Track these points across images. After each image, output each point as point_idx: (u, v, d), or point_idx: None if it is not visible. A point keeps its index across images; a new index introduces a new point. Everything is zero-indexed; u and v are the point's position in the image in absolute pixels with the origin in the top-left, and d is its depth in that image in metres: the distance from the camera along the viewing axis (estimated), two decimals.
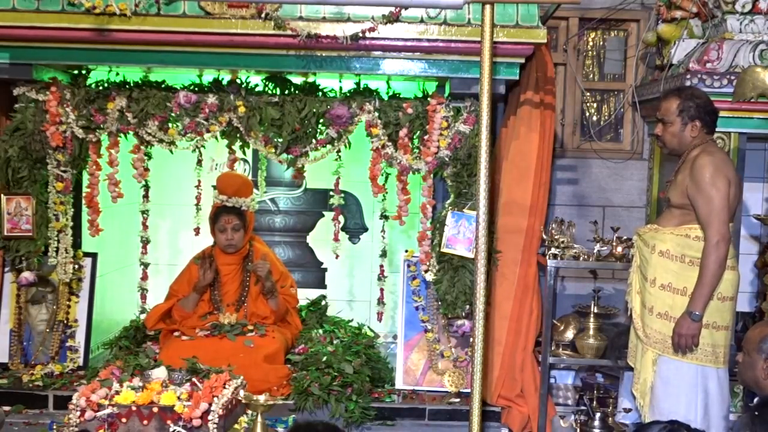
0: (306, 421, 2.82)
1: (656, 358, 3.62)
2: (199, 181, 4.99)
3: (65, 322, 4.50)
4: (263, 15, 3.95)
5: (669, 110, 3.64)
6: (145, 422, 3.47)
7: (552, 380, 4.87)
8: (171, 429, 3.46)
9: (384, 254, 4.85)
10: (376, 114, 4.26)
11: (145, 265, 4.94)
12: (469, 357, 4.30)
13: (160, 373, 3.71)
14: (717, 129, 4.10)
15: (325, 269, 5.59)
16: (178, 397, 3.53)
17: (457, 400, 4.27)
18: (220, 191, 4.60)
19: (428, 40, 4.06)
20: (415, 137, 4.29)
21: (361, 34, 4.00)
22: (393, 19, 4.01)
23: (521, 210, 4.39)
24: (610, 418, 4.24)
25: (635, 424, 3.99)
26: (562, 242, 4.39)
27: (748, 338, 2.96)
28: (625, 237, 4.39)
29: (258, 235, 5.07)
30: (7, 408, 4.11)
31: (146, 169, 4.53)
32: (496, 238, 4.37)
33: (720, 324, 3.56)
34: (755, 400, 2.86)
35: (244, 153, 4.79)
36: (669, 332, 3.56)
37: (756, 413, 2.34)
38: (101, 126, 4.29)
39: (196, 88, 4.34)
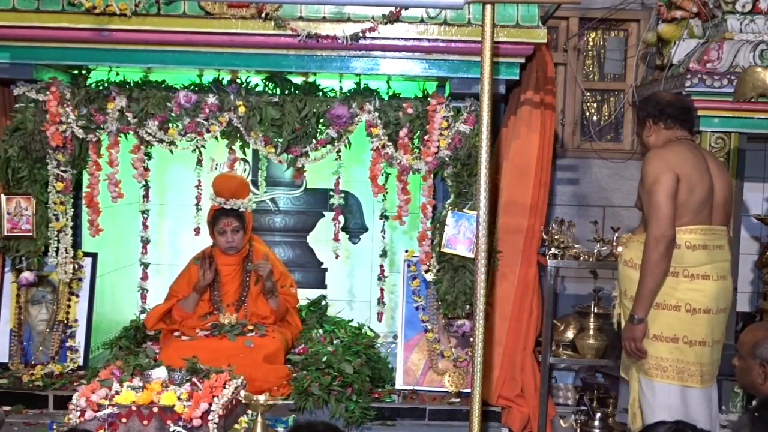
0: (306, 421, 2.82)
1: (637, 375, 3.48)
2: (199, 181, 4.98)
3: (65, 322, 4.49)
4: (263, 15, 3.95)
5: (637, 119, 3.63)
6: (145, 422, 3.47)
7: (552, 380, 4.87)
8: (171, 429, 3.46)
9: (384, 254, 4.85)
10: (376, 114, 4.25)
11: (145, 265, 4.95)
12: (469, 357, 4.30)
13: (160, 373, 3.71)
14: (717, 129, 4.11)
15: (325, 269, 5.58)
16: (178, 397, 3.54)
17: (457, 400, 4.26)
18: (218, 194, 4.60)
19: (428, 40, 4.06)
20: (415, 137, 4.28)
21: (361, 34, 4.00)
22: (393, 19, 4.01)
23: (521, 210, 4.38)
24: (610, 418, 4.24)
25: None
26: (562, 242, 4.39)
27: (741, 342, 2.92)
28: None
29: (258, 235, 5.06)
30: (7, 408, 4.11)
31: (146, 169, 4.53)
32: (496, 238, 4.36)
33: (691, 339, 3.31)
34: (753, 401, 2.86)
35: (244, 153, 4.78)
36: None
37: (756, 414, 2.34)
38: (101, 126, 4.28)
39: (196, 88, 4.34)
